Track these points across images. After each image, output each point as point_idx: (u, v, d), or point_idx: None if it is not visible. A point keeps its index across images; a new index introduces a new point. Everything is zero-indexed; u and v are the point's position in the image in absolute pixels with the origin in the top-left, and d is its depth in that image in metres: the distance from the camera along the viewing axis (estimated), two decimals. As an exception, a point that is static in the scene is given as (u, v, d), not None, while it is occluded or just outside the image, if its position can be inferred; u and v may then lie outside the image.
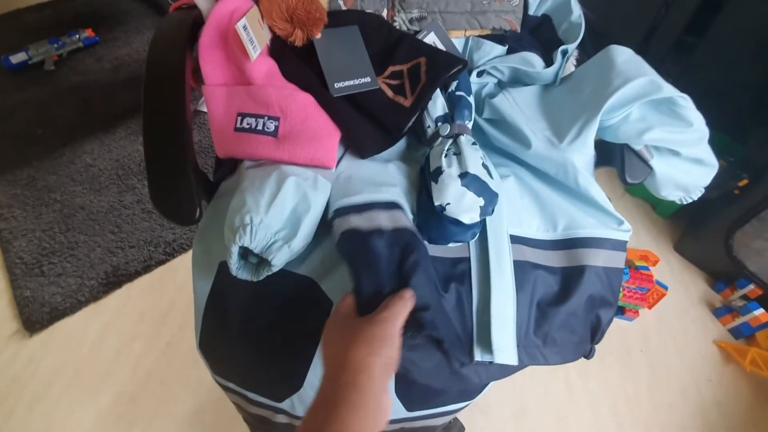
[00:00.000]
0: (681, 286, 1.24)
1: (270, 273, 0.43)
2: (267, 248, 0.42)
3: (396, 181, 0.52)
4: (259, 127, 0.53)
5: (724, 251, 1.15)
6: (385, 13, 0.63)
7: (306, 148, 0.51)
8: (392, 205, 0.47)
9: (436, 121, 0.56)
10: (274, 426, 0.55)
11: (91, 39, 1.87)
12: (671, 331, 1.14)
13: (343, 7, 0.62)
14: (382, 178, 0.51)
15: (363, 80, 0.58)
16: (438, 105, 0.56)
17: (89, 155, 1.46)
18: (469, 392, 0.56)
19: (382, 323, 0.39)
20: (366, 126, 0.56)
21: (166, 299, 1.13)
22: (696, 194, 0.56)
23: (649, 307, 1.16)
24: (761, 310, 1.10)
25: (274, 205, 0.42)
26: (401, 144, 0.61)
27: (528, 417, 0.98)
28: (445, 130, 0.54)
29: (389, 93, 0.59)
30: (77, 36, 1.84)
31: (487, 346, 0.47)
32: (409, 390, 0.51)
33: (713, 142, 1.49)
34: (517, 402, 1.00)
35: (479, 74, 0.63)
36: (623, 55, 0.53)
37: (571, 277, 0.52)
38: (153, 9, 2.11)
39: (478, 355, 0.47)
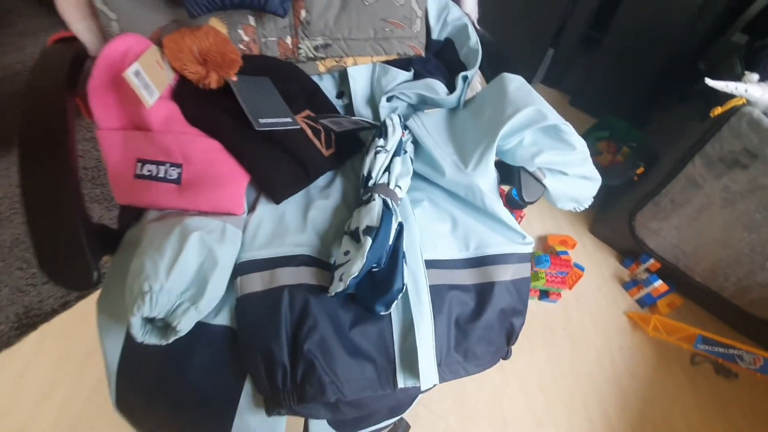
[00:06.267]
0: (595, 265, 1.37)
1: (178, 336, 0.42)
2: (171, 313, 0.41)
3: (312, 227, 0.52)
4: (161, 175, 0.51)
5: (629, 231, 1.28)
6: (289, 41, 0.62)
7: (209, 195, 0.50)
8: (296, 260, 0.48)
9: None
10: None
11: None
12: (588, 307, 1.27)
13: (245, 38, 0.60)
14: (295, 224, 0.52)
15: (285, 119, 0.58)
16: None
17: (-18, 182, 1.30)
18: (399, 408, 0.60)
19: None
20: (283, 165, 0.56)
21: (89, 337, 1.05)
22: (587, 204, 0.62)
23: (569, 288, 1.28)
24: (660, 282, 1.25)
25: (175, 268, 0.41)
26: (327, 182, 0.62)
27: (467, 403, 1.05)
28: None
29: (309, 132, 0.59)
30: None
31: (410, 372, 0.50)
32: (341, 420, 0.53)
33: (619, 130, 1.63)
34: (456, 391, 1.06)
35: (389, 99, 0.65)
36: (514, 83, 0.57)
37: (483, 294, 0.56)
38: (43, 7, 1.88)
39: (401, 383, 0.50)
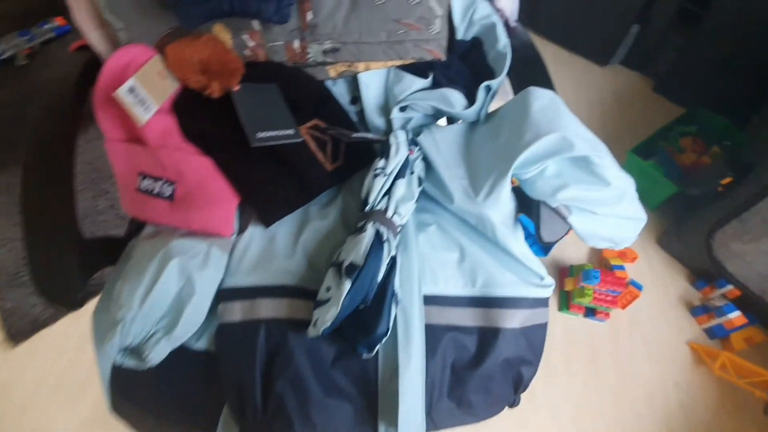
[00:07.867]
0: (659, 284, 1.20)
1: (151, 365, 0.42)
2: (145, 342, 0.41)
3: (302, 252, 0.50)
4: (156, 191, 0.51)
5: (705, 250, 1.10)
6: (297, 45, 0.58)
7: (199, 215, 0.49)
8: (279, 291, 0.46)
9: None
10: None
11: (63, 28, 1.80)
12: (643, 332, 1.12)
13: (250, 44, 0.57)
14: (285, 248, 0.49)
15: (286, 132, 0.55)
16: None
17: (63, 159, 1.45)
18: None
19: None
20: (277, 185, 0.53)
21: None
22: (626, 244, 0.52)
23: (622, 308, 1.14)
24: (736, 313, 1.06)
25: (150, 296, 0.41)
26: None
27: (485, 426, 0.99)
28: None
29: (312, 145, 0.56)
30: (47, 26, 1.77)
31: (392, 418, 0.47)
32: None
33: (710, 125, 1.37)
34: (478, 408, 1.01)
35: (402, 109, 0.58)
36: (540, 101, 0.48)
37: (486, 340, 0.51)
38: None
39: (382, 429, 0.47)
